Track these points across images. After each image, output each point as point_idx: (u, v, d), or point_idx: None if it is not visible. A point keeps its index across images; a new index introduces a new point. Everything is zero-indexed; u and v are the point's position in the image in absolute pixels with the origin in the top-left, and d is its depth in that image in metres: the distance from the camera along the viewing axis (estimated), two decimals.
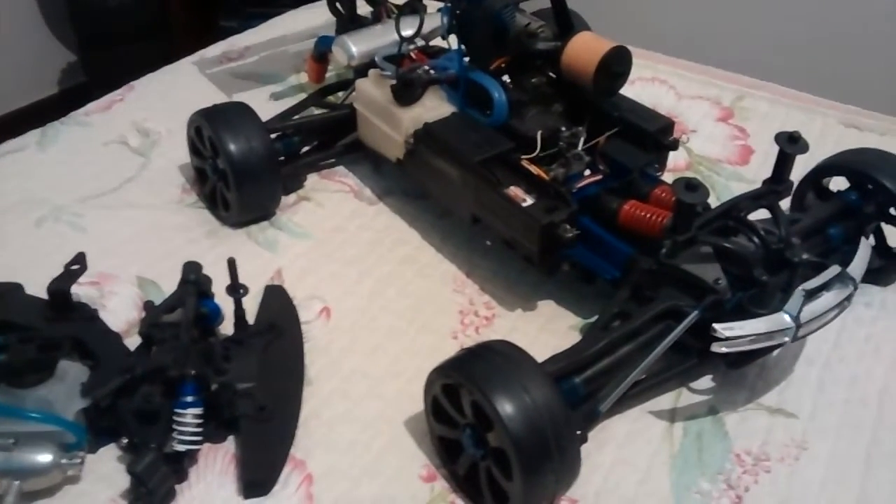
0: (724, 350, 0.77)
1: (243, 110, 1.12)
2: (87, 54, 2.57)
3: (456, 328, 0.98)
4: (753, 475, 0.81)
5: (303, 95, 1.30)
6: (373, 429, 0.86)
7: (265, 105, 1.33)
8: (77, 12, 2.46)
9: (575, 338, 0.93)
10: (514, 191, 0.95)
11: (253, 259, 1.06)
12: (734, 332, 0.76)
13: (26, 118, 1.45)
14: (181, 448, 0.79)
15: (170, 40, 2.50)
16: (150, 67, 1.51)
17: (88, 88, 2.34)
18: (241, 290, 0.89)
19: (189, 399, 0.80)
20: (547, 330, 0.97)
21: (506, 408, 0.71)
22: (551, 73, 1.06)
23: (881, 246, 1.00)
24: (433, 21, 1.15)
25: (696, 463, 0.82)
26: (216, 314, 0.91)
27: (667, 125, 1.01)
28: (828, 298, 0.80)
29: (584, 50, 1.00)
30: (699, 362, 0.86)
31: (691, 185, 0.79)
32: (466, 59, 1.08)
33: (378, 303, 1.01)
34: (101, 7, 2.43)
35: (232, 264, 0.87)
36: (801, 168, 1.00)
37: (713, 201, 1.10)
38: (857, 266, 0.84)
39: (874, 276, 0.99)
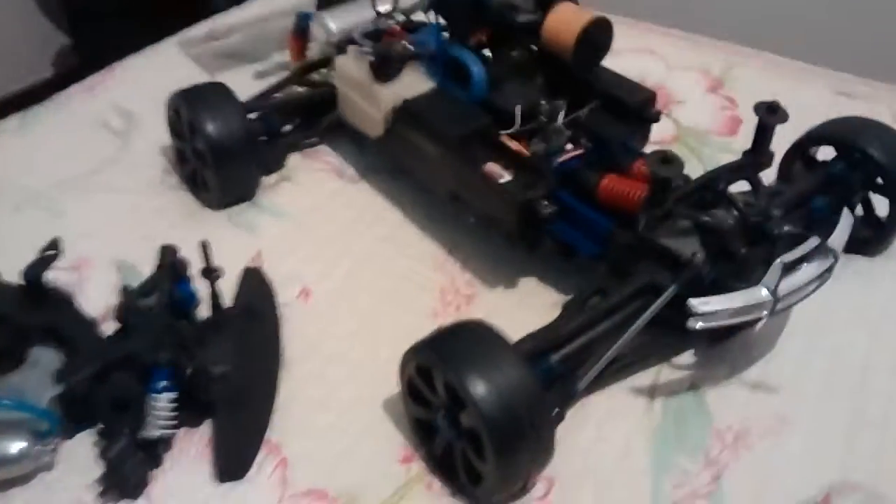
0: (700, 325, 0.76)
1: (221, 90, 1.11)
2: (78, 35, 2.55)
3: (436, 307, 0.96)
4: (734, 451, 0.80)
5: (287, 74, 1.28)
6: (350, 411, 0.85)
7: (249, 84, 1.32)
8: None
9: (556, 315, 0.91)
10: (492, 167, 0.93)
11: (233, 241, 1.05)
12: (709, 307, 0.75)
13: (22, 102, 1.44)
14: (155, 434, 0.79)
15: (160, 16, 2.48)
16: (142, 45, 1.49)
17: (81, 72, 2.34)
18: (216, 273, 0.88)
19: (163, 384, 0.80)
20: (528, 307, 0.96)
21: (478, 388, 0.70)
22: (533, 46, 1.04)
23: (869, 216, 0.98)
24: None
25: (675, 440, 0.81)
26: (191, 298, 0.90)
27: (648, 97, 0.99)
28: (807, 271, 0.78)
29: (564, 22, 0.98)
30: (679, 338, 0.85)
31: (667, 158, 0.77)
32: (446, 33, 1.06)
33: (358, 283, 1.00)
34: None
35: (205, 247, 0.86)
36: (791, 137, 0.98)
37: (701, 172, 1.09)
38: (838, 237, 0.82)
39: (862, 246, 0.97)
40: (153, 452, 0.80)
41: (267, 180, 1.15)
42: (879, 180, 0.95)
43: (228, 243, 1.03)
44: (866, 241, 0.98)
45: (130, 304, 0.87)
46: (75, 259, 1.01)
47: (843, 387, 0.85)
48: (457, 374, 0.71)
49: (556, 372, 0.78)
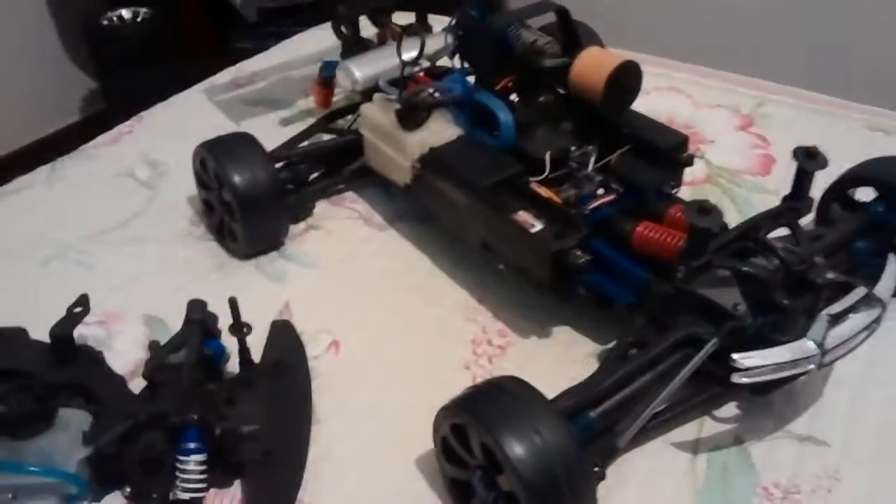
0: (744, 381, 0.73)
1: (247, 140, 1.10)
2: (105, 80, 2.59)
3: (468, 358, 0.94)
4: None
5: (312, 120, 1.28)
6: (383, 469, 0.83)
7: (275, 131, 1.32)
8: (93, 38, 2.48)
9: (593, 365, 0.89)
10: (523, 216, 0.91)
11: (261, 291, 1.05)
12: (754, 362, 0.72)
13: (49, 146, 1.45)
14: (185, 496, 0.77)
15: (187, 64, 2.51)
16: (168, 91, 1.50)
17: (107, 115, 2.36)
18: (245, 330, 0.87)
19: (192, 445, 0.78)
20: (564, 358, 0.93)
21: (515, 451, 0.68)
22: (560, 91, 1.03)
23: None
24: (438, 41, 1.12)
25: (721, 499, 0.78)
26: (221, 354, 0.89)
27: (680, 140, 0.97)
28: (854, 321, 0.76)
29: (592, 66, 0.96)
30: (722, 390, 0.82)
31: (704, 209, 0.75)
32: (472, 79, 1.05)
33: (388, 334, 0.98)
34: (117, 32, 2.45)
35: (233, 304, 0.85)
36: (827, 175, 0.96)
37: (734, 214, 1.07)
38: (885, 285, 0.80)
39: None
40: None
41: (294, 229, 1.14)
42: None
43: (257, 294, 1.03)
44: None
45: (159, 362, 0.86)
46: (103, 314, 1.00)
47: (895, 443, 0.82)
48: (493, 436, 0.69)
49: (596, 428, 0.76)
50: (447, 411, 0.75)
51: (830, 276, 0.79)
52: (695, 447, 0.83)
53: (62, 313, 0.90)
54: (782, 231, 0.89)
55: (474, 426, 0.71)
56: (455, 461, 0.76)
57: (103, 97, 2.63)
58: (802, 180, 0.84)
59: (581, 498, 0.70)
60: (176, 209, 1.20)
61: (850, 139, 1.22)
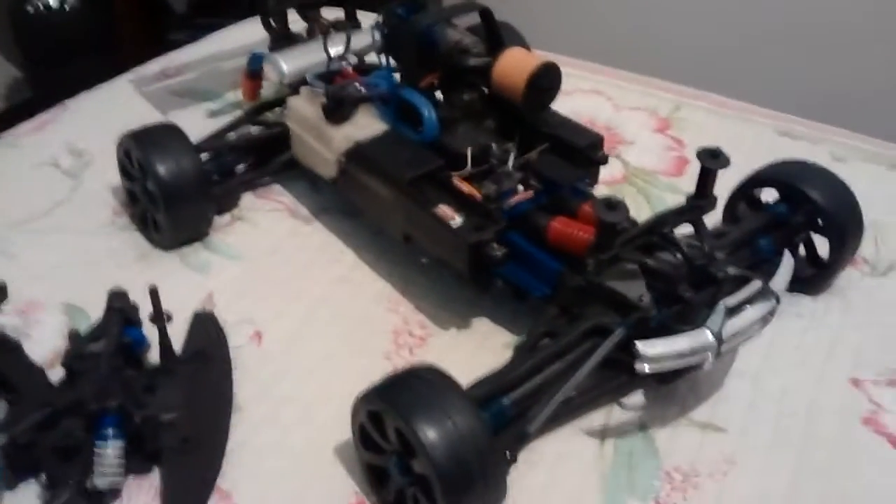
0: (646, 369, 0.77)
1: (172, 131, 1.10)
2: (32, 70, 2.53)
3: (389, 349, 0.97)
4: (682, 492, 0.81)
5: (240, 112, 1.28)
6: (302, 457, 0.84)
7: (202, 122, 1.32)
8: (20, 27, 2.42)
9: (510, 355, 0.92)
10: (444, 209, 0.94)
11: (185, 282, 1.05)
12: (655, 351, 0.76)
13: None
14: (103, 483, 0.78)
15: (117, 54, 2.46)
16: (98, 82, 1.49)
17: (34, 105, 2.31)
18: (165, 318, 0.87)
19: (110, 432, 0.79)
20: (482, 348, 0.96)
21: (428, 435, 0.70)
22: (484, 89, 1.06)
23: (812, 256, 1.01)
24: (366, 37, 1.14)
25: (626, 483, 0.82)
26: (141, 343, 0.89)
27: (596, 140, 1.01)
28: (750, 313, 0.80)
29: (513, 66, 1.00)
30: (629, 378, 0.86)
31: (611, 204, 0.79)
32: (398, 75, 1.07)
33: (311, 325, 1.00)
34: (46, 21, 2.39)
35: (154, 293, 0.85)
36: (735, 176, 1.01)
37: (648, 212, 1.12)
38: (780, 279, 0.84)
39: (804, 285, 1.00)
40: (100, 502, 0.78)
41: (219, 220, 1.14)
42: (820, 221, 0.97)
43: (180, 285, 1.03)
44: (809, 279, 1.00)
45: (78, 350, 0.86)
46: (23, 302, 1.00)
47: (789, 429, 0.86)
48: (407, 421, 0.71)
49: (508, 415, 0.79)
50: (364, 399, 0.77)
51: (731, 270, 0.83)
52: (603, 434, 0.86)
53: None
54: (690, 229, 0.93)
55: (389, 412, 0.73)
56: (372, 447, 0.78)
57: (30, 86, 2.56)
58: (706, 179, 0.89)
59: (492, 481, 0.73)
60: (99, 199, 1.19)
61: (759, 142, 1.27)
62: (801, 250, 1.01)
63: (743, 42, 1.87)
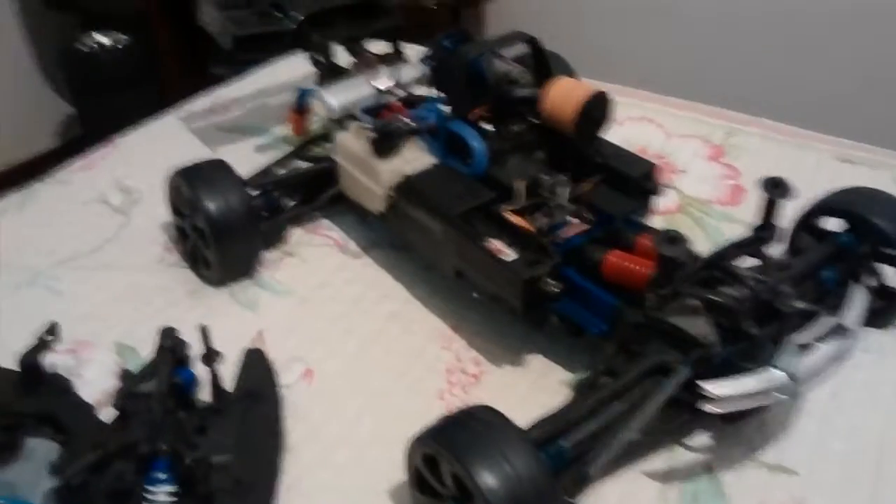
0: (714, 410, 0.74)
1: (221, 167, 1.10)
2: (81, 106, 2.58)
3: (443, 388, 0.94)
4: None
5: (289, 147, 1.28)
6: (355, 500, 0.82)
7: (250, 158, 1.32)
8: (69, 64, 2.48)
9: (566, 394, 0.90)
10: (496, 244, 0.92)
11: (234, 319, 1.04)
12: (723, 391, 0.73)
13: (25, 173, 1.45)
14: None
15: (162, 89, 2.51)
16: (142, 115, 1.50)
17: (84, 142, 2.35)
18: (216, 358, 0.86)
19: (161, 476, 0.77)
20: (538, 386, 0.94)
21: (486, 480, 0.68)
22: (533, 120, 1.04)
23: (880, 287, 0.97)
24: (414, 70, 1.13)
25: None
26: (191, 383, 0.88)
27: (649, 170, 0.98)
28: (826, 352, 0.77)
29: (564, 96, 0.98)
30: (692, 418, 0.83)
31: (672, 239, 0.76)
32: (447, 108, 1.06)
33: (362, 363, 0.98)
34: (94, 58, 2.44)
35: (204, 332, 0.84)
36: (796, 205, 0.97)
37: (704, 243, 1.09)
38: (853, 314, 0.81)
39: (872, 318, 0.95)
40: None
41: (269, 256, 1.14)
42: (887, 251, 0.93)
43: (230, 322, 1.02)
44: (877, 312, 0.96)
45: (129, 391, 0.85)
46: (73, 341, 0.99)
47: (859, 469, 0.83)
48: (463, 465, 0.69)
49: (567, 457, 0.76)
50: (419, 441, 0.75)
51: (798, 304, 0.80)
52: (666, 476, 0.83)
53: (32, 341, 0.89)
54: (754, 261, 0.90)
55: (445, 456, 0.71)
56: (428, 492, 0.76)
57: (80, 123, 2.62)
58: (769, 210, 0.86)
59: None
60: (149, 236, 1.19)
61: (819, 170, 1.24)
62: (871, 280, 0.96)
63: (796, 67, 1.83)
